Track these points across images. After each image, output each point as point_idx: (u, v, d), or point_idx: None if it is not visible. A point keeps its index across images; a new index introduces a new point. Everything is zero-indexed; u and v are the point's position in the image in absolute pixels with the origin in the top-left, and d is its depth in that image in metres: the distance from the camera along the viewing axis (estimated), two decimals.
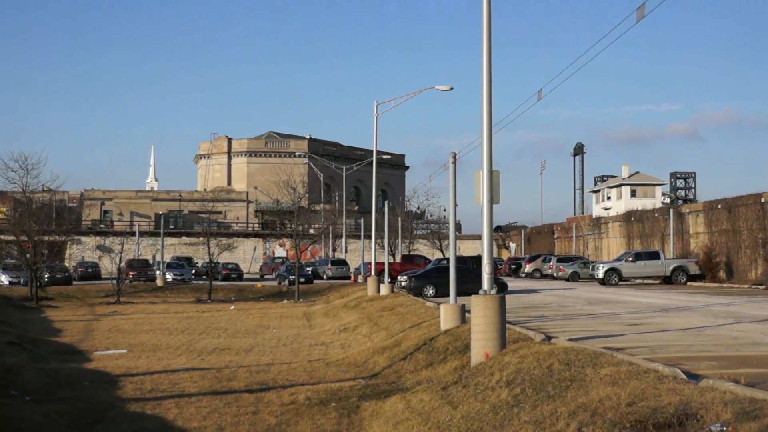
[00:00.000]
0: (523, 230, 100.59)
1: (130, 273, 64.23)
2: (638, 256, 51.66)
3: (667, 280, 50.13)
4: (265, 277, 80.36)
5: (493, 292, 17.23)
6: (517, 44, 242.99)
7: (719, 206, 52.55)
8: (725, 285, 47.13)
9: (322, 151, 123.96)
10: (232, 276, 72.96)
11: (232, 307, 48.16)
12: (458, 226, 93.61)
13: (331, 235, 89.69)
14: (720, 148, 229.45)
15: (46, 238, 56.63)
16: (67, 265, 77.64)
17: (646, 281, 52.02)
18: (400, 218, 74.81)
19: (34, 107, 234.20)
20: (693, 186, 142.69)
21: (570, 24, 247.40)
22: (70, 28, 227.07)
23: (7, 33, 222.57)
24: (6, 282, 60.06)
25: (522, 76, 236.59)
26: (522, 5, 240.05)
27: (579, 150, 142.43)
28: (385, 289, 41.76)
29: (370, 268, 49.80)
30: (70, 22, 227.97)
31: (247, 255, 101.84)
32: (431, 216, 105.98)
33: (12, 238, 56.44)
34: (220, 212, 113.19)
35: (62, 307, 48.70)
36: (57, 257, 68.14)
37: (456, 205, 25.61)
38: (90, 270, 72.69)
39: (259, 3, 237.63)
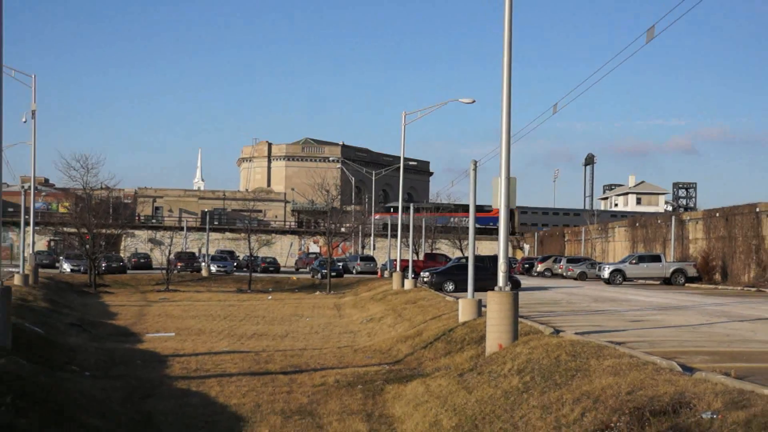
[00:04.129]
0: (536, 233, 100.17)
1: (179, 264, 64.65)
2: (641, 259, 51.31)
3: (667, 281, 49.73)
4: (300, 270, 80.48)
5: (508, 288, 17.27)
6: (533, 58, 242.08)
7: (717, 214, 52.09)
8: (720, 287, 46.68)
9: (353, 156, 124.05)
10: (270, 269, 73.21)
11: (270, 297, 48.37)
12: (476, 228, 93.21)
13: (360, 234, 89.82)
14: (715, 161, 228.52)
15: (103, 231, 57.11)
16: (122, 255, 78.35)
17: (647, 282, 51.65)
18: (423, 219, 74.72)
19: (98, 114, 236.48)
20: (694, 195, 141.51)
21: (585, 39, 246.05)
22: (131, 43, 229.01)
23: (73, 46, 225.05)
24: (68, 270, 60.77)
25: (538, 90, 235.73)
26: (541, 23, 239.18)
27: (590, 160, 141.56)
28: (408, 284, 41.73)
29: (396, 265, 49.73)
30: (128, 36, 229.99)
31: (284, 250, 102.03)
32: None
33: (74, 230, 57.14)
34: (260, 211, 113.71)
35: (117, 294, 49.17)
36: (113, 248, 68.73)
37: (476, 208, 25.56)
38: (142, 260, 73.34)
39: (299, 23, 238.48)
